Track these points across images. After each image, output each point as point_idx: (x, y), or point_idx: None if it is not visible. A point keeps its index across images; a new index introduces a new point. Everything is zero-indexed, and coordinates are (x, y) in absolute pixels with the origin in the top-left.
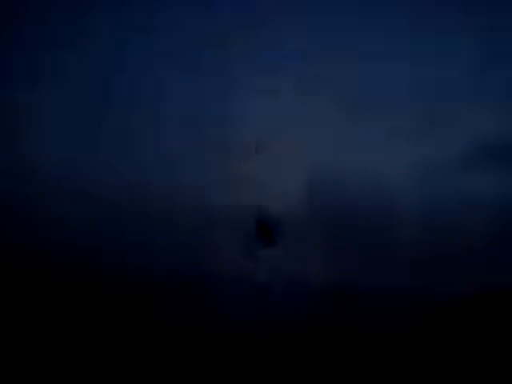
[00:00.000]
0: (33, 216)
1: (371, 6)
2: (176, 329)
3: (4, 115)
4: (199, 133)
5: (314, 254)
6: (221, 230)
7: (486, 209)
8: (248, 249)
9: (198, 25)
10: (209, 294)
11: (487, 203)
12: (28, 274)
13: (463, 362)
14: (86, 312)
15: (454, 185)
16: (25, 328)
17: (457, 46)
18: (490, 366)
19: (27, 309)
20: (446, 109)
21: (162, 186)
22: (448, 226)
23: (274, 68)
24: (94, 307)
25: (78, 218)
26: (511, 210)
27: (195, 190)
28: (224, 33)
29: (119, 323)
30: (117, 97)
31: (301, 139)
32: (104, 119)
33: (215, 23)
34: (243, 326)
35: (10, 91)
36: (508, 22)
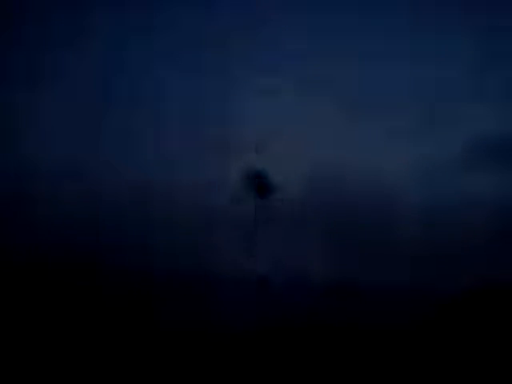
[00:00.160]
0: (33, 215)
1: (371, 7)
2: (177, 324)
3: (4, 115)
4: (199, 133)
5: (316, 251)
6: (221, 228)
7: (484, 207)
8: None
9: (198, 25)
10: (209, 292)
11: (486, 201)
12: (29, 273)
13: (463, 357)
14: (86, 310)
15: (453, 183)
16: (25, 326)
17: (456, 46)
18: (490, 360)
19: (27, 307)
20: (445, 108)
21: (162, 186)
22: (447, 223)
23: (275, 68)
24: (94, 306)
25: (78, 218)
26: (509, 208)
27: (195, 190)
28: (224, 33)
29: (119, 321)
30: (117, 96)
31: (301, 138)
32: (104, 119)
33: (215, 23)
34: (244, 322)
35: (10, 91)
36: (507, 22)
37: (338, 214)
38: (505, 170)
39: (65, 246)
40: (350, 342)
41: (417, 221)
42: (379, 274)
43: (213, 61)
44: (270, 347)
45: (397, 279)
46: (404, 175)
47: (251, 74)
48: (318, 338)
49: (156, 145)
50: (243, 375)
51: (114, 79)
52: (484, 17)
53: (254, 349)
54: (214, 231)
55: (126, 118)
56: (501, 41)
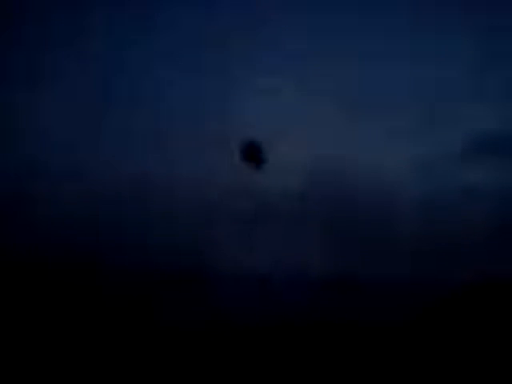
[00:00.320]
0: (33, 214)
1: (371, 7)
2: (177, 320)
3: (3, 115)
4: (199, 130)
5: (316, 246)
6: (221, 223)
7: (484, 202)
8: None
9: (198, 24)
10: (208, 288)
11: (485, 196)
12: (29, 272)
13: (462, 351)
14: (86, 309)
15: (452, 179)
16: (25, 326)
17: (456, 45)
18: (490, 354)
19: (27, 306)
20: (445, 107)
21: (163, 181)
22: (447, 218)
23: (275, 69)
24: (94, 303)
25: (78, 216)
26: (507, 203)
27: (196, 185)
28: (224, 32)
29: (120, 320)
30: (117, 95)
31: (301, 137)
32: (104, 117)
33: (216, 23)
34: (244, 319)
35: (9, 91)
36: (508, 21)
37: (338, 210)
38: (505, 167)
39: (64, 244)
40: (350, 338)
41: (416, 216)
42: (379, 268)
43: (213, 60)
44: (271, 343)
45: (397, 273)
46: (404, 172)
47: (251, 73)
48: (319, 333)
49: (156, 142)
50: (245, 372)
51: (115, 78)
52: (484, 16)
53: (255, 345)
54: (214, 227)
55: (126, 117)
56: (501, 40)
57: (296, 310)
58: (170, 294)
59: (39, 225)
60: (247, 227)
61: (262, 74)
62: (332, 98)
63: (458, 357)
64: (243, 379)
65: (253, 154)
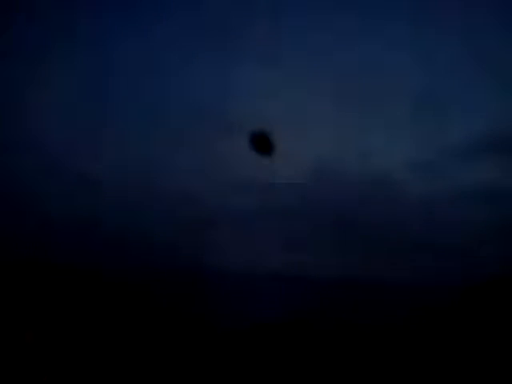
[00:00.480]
0: (32, 207)
1: (371, 8)
2: (185, 318)
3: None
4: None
5: (316, 245)
6: (224, 220)
7: (484, 200)
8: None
9: (196, 16)
10: (215, 287)
11: (486, 194)
12: (29, 265)
13: (466, 352)
14: (87, 306)
15: (454, 176)
16: (26, 326)
17: (456, 45)
18: (490, 355)
19: (28, 300)
20: (445, 103)
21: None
22: (448, 216)
23: (273, 62)
24: (94, 303)
25: (78, 215)
26: (509, 201)
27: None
28: (222, 24)
29: (122, 319)
30: (118, 84)
31: (301, 132)
32: (104, 117)
33: (212, 13)
34: (252, 317)
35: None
36: (507, 21)
37: (338, 208)
38: (503, 163)
39: (65, 244)
40: (356, 337)
41: (418, 214)
42: (379, 268)
43: (210, 54)
44: (276, 342)
45: (397, 273)
46: (404, 169)
47: (250, 66)
48: (326, 331)
49: (156, 140)
50: (251, 372)
51: (116, 70)
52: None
53: (261, 344)
54: (216, 223)
55: (126, 116)
56: (502, 40)
57: (302, 307)
58: (176, 289)
59: (39, 216)
60: (252, 223)
61: (260, 67)
62: (332, 94)
63: (459, 357)
64: (243, 379)
65: (263, 143)
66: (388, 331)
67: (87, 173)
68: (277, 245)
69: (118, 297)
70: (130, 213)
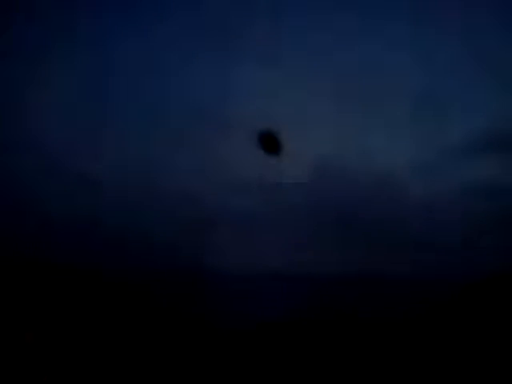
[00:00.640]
0: (32, 207)
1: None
2: (187, 319)
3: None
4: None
5: (317, 243)
6: (226, 220)
7: (485, 196)
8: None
9: (196, 16)
10: (218, 286)
11: (486, 191)
12: (29, 265)
13: (467, 349)
14: (87, 307)
15: (453, 174)
16: (26, 326)
17: (456, 44)
18: (490, 352)
19: (28, 300)
20: (445, 101)
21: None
22: (449, 213)
23: (273, 62)
24: (94, 302)
25: (78, 215)
26: (508, 198)
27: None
28: (221, 24)
29: (124, 318)
30: (118, 85)
31: (301, 132)
32: (104, 118)
33: (212, 13)
34: (257, 316)
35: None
36: (506, 22)
37: (339, 206)
38: (506, 162)
39: (66, 244)
40: (358, 334)
41: (418, 212)
42: (380, 265)
43: (210, 54)
44: (279, 341)
45: (400, 269)
46: (405, 167)
47: (250, 66)
48: (329, 329)
49: (157, 140)
50: (252, 371)
51: (116, 70)
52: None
53: (263, 343)
54: (217, 223)
55: (125, 115)
56: (502, 40)
57: (306, 305)
58: (178, 289)
59: (39, 216)
60: (255, 223)
61: (260, 67)
62: (332, 92)
63: (459, 352)
64: (245, 379)
65: (271, 142)
66: (389, 327)
67: (87, 173)
68: (278, 244)
69: (118, 297)
70: (130, 213)
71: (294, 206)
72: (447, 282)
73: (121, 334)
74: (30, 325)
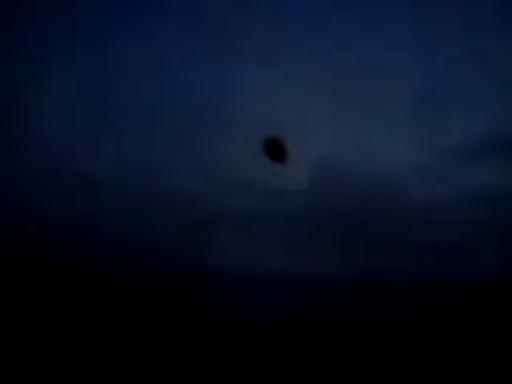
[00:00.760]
0: (32, 207)
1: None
2: (188, 319)
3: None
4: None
5: (317, 246)
6: (227, 222)
7: (486, 200)
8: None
9: (195, 16)
10: (218, 288)
11: (487, 195)
12: (29, 265)
13: (465, 352)
14: (87, 306)
15: (454, 177)
16: (26, 326)
17: (456, 44)
18: (491, 357)
19: (28, 300)
20: (446, 103)
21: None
22: (448, 217)
23: (273, 62)
24: (94, 302)
25: (78, 215)
26: (509, 202)
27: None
28: (221, 24)
29: (126, 319)
30: (118, 84)
31: (302, 133)
32: (103, 118)
33: (212, 13)
34: (256, 318)
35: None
36: (505, 22)
37: (339, 208)
38: (507, 164)
39: (64, 245)
40: (356, 338)
41: (419, 215)
42: (381, 268)
43: (210, 54)
44: (276, 343)
45: (398, 274)
46: (405, 169)
47: (250, 66)
48: (327, 332)
49: (157, 139)
50: (251, 372)
51: (116, 70)
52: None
53: (261, 345)
54: (217, 224)
55: (126, 115)
56: (502, 40)
57: (305, 308)
58: (178, 290)
59: (39, 215)
60: (256, 225)
61: (260, 67)
62: (332, 92)
63: (459, 357)
64: (244, 379)
65: (276, 150)
66: (389, 332)
67: (87, 173)
68: (278, 246)
69: (118, 297)
70: (130, 213)
71: (293, 207)
72: (447, 286)
73: (121, 334)
74: (30, 325)
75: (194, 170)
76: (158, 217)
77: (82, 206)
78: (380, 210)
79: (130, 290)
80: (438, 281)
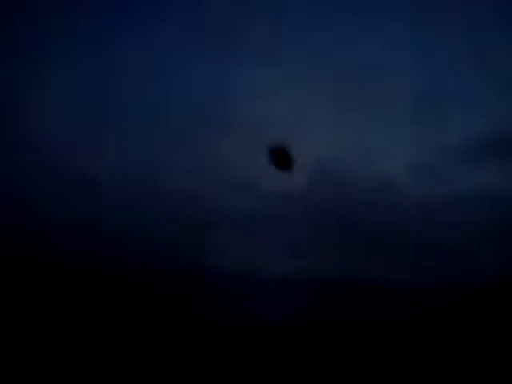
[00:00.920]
0: (32, 207)
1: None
2: (189, 321)
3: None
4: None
5: (317, 247)
6: (227, 223)
7: (486, 201)
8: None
9: (196, 17)
10: (220, 289)
11: (486, 196)
12: (29, 265)
13: (463, 353)
14: (87, 306)
15: (453, 177)
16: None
17: (456, 44)
18: (490, 358)
19: (28, 300)
20: (445, 104)
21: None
22: (448, 218)
23: (274, 62)
24: (95, 302)
25: (78, 215)
26: (509, 203)
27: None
28: (222, 24)
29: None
30: (119, 84)
31: (301, 134)
32: (104, 117)
33: (213, 13)
34: (256, 320)
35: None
36: (504, 22)
37: (338, 209)
38: (506, 164)
39: (64, 245)
40: (357, 339)
41: (418, 216)
42: (379, 270)
43: (210, 54)
44: (277, 344)
45: (397, 275)
46: (405, 170)
47: (250, 66)
48: (328, 333)
49: (157, 142)
50: (250, 373)
51: (116, 70)
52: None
53: (260, 346)
54: (216, 224)
55: (126, 115)
56: (502, 40)
57: (298, 311)
58: (180, 291)
59: (39, 216)
60: (256, 227)
61: (260, 67)
62: (332, 93)
63: (457, 358)
64: (243, 380)
65: (282, 158)
66: (389, 332)
67: (87, 173)
68: (278, 246)
69: (118, 297)
70: (130, 213)
71: (293, 207)
72: (446, 287)
73: (121, 334)
74: (30, 325)
75: (194, 169)
76: (158, 217)
77: (81, 206)
78: (380, 211)
79: (130, 289)
80: (438, 281)
